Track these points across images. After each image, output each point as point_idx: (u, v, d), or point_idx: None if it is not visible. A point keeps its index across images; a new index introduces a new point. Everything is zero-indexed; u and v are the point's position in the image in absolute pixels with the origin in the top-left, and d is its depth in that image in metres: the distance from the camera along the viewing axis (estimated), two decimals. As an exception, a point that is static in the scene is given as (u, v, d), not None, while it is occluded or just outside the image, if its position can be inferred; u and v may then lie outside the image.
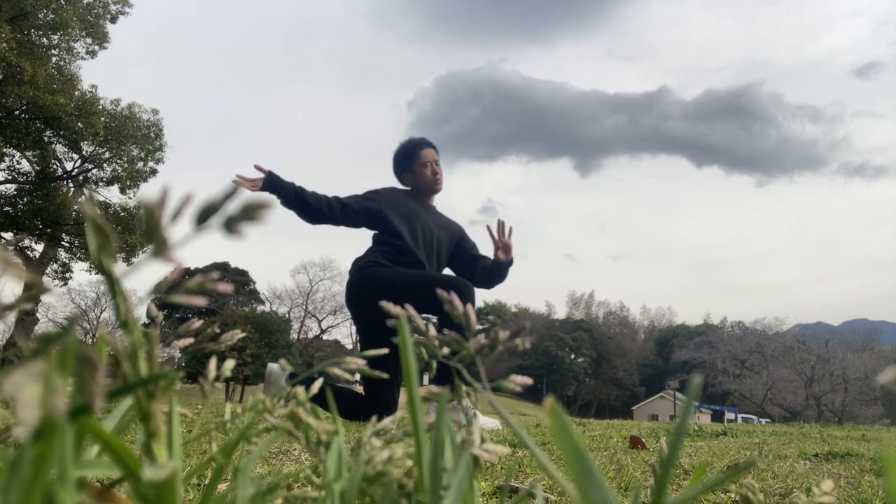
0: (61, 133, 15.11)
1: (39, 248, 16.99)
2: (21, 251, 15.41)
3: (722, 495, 1.06)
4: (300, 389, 0.44)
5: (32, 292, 0.27)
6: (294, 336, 40.54)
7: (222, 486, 0.79)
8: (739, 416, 37.14)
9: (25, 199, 15.89)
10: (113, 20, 15.74)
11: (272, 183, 2.67)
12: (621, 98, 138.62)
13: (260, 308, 41.44)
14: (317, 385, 0.49)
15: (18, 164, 16.09)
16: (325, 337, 44.95)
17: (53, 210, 15.39)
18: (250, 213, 0.27)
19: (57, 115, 14.21)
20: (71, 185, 17.06)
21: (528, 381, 0.41)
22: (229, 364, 0.50)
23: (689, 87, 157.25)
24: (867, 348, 41.73)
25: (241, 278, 42.30)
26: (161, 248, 0.26)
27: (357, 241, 3.05)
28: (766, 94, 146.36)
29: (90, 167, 16.87)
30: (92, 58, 15.60)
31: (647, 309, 68.90)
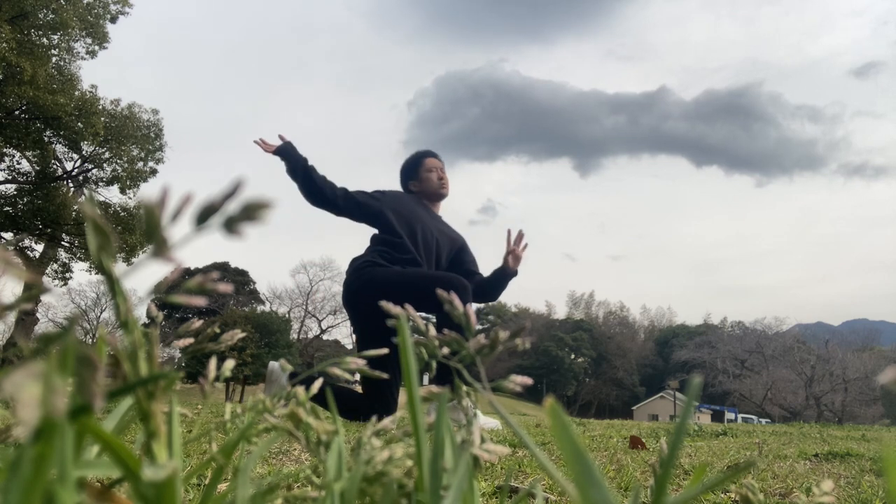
0: (61, 133, 15.11)
1: (39, 248, 16.99)
2: (21, 251, 15.41)
3: (722, 495, 1.06)
4: (300, 389, 0.44)
5: (32, 292, 0.27)
6: (294, 336, 40.54)
7: (222, 486, 0.79)
8: (739, 416, 37.14)
9: (25, 199, 15.88)
10: (113, 20, 15.73)
11: (285, 150, 2.76)
12: (621, 98, 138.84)
13: (260, 308, 41.44)
14: (317, 385, 0.49)
15: (18, 164, 16.09)
16: (325, 337, 45.00)
17: (53, 210, 15.39)
18: (250, 213, 0.26)
19: (57, 115, 14.20)
20: (71, 185, 17.05)
21: (528, 381, 0.41)
22: (229, 364, 0.50)
23: (689, 87, 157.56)
24: (867, 348, 41.72)
25: (241, 278, 42.30)
26: (161, 248, 0.26)
27: (357, 241, 3.05)
28: (765, 94, 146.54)
29: (90, 167, 16.86)
30: (92, 58, 15.60)
31: (647, 309, 68.98)
